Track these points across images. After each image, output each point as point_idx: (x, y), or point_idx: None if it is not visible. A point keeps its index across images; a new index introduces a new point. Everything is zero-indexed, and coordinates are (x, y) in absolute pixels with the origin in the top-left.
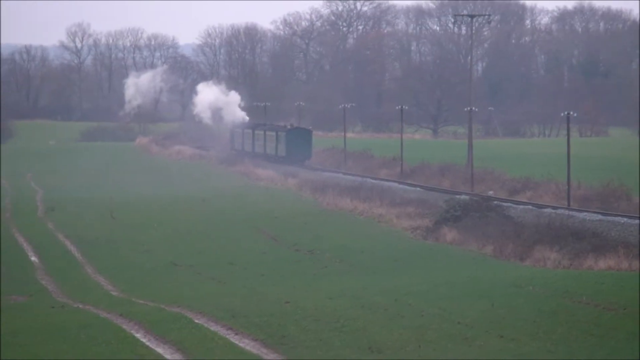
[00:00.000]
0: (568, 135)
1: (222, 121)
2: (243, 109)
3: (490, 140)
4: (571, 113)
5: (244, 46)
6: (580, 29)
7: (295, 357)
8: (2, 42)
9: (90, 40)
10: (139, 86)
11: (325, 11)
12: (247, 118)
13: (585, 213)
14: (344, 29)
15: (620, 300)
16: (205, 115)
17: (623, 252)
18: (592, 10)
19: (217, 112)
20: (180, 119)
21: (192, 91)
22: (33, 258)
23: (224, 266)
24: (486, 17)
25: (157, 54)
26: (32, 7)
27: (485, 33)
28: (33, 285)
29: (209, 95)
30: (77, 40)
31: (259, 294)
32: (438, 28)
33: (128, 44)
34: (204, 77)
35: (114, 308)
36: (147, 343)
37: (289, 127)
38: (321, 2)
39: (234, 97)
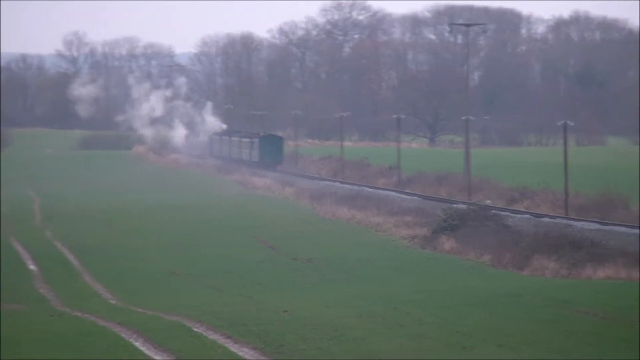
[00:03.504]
0: (565, 144)
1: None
2: (238, 117)
3: (487, 149)
4: (568, 122)
5: (240, 55)
6: (576, 38)
7: None
8: (0, 50)
9: (87, 49)
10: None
11: (321, 20)
12: (223, 125)
13: (583, 222)
14: (340, 37)
15: (619, 310)
16: (141, 124)
17: (621, 261)
18: (588, 20)
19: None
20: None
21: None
22: (31, 266)
23: (222, 274)
24: (482, 26)
25: (154, 63)
26: (29, 16)
27: (481, 42)
28: (31, 293)
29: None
30: (73, 49)
31: (257, 302)
32: (434, 37)
33: (124, 53)
34: (200, 86)
35: (113, 316)
36: (146, 352)
37: (261, 134)
38: (317, 11)
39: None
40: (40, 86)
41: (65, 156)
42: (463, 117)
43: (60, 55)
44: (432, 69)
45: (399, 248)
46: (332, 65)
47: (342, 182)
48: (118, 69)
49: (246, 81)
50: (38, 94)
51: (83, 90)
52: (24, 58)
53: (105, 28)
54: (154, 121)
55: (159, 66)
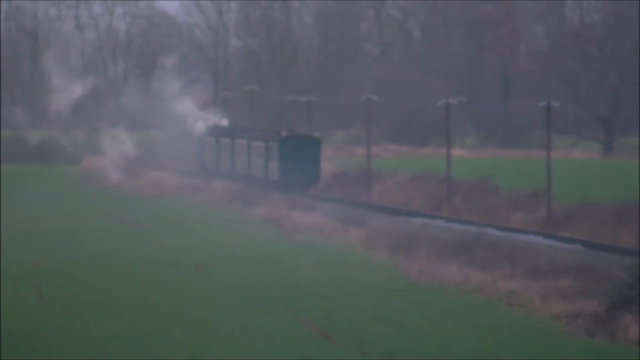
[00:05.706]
0: None
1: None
2: (268, 105)
3: None
4: None
5: None
6: None
7: None
8: None
9: None
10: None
11: None
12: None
13: None
14: None
15: None
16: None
17: None
18: None
19: None
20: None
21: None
22: None
23: None
24: None
25: (119, 11)
26: None
27: None
28: None
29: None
30: None
31: None
32: None
33: None
34: (202, 50)
35: None
36: None
37: (284, 134)
38: None
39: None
40: None
41: None
42: None
43: None
44: (608, 22)
45: (548, 334)
46: (431, 16)
47: (448, 220)
48: (52, 22)
49: (282, 44)
50: None
51: None
52: None
53: None
54: (114, 114)
55: (128, 16)
